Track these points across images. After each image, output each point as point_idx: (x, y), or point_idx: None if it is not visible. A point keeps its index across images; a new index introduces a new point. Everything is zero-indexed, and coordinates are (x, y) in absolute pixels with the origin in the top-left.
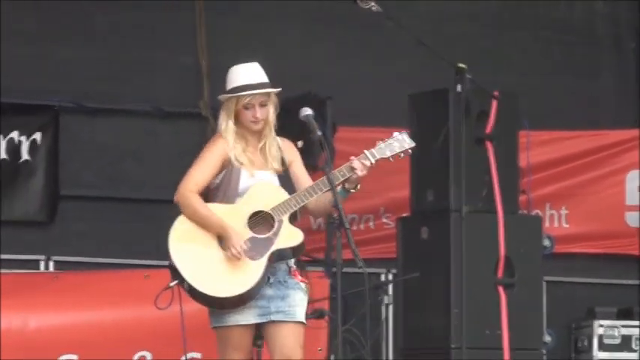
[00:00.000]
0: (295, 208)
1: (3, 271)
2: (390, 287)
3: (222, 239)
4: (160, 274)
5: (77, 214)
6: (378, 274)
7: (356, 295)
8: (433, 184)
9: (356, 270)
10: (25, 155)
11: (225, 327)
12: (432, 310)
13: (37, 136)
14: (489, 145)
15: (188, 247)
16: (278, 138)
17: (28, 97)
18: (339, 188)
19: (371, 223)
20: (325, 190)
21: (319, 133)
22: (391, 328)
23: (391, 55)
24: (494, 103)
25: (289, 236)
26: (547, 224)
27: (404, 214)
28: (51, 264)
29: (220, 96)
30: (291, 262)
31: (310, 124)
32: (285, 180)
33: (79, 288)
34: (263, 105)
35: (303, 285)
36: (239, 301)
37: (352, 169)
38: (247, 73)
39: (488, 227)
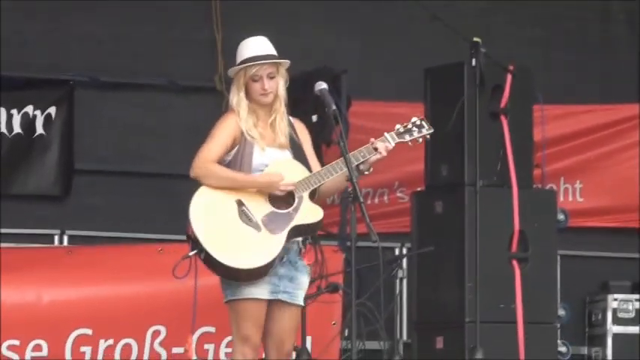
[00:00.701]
0: (316, 185)
1: (18, 245)
2: (405, 261)
3: (241, 212)
4: (174, 248)
5: (92, 189)
6: (393, 248)
7: (370, 269)
8: (448, 159)
9: (370, 244)
10: (39, 129)
11: (240, 300)
12: (446, 284)
13: (52, 110)
14: (504, 119)
15: (209, 219)
16: (291, 118)
17: (43, 72)
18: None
19: (385, 197)
20: (344, 168)
21: (334, 107)
22: (405, 302)
23: (406, 29)
24: (509, 77)
25: (309, 213)
26: (561, 198)
27: (418, 189)
28: (65, 238)
29: (229, 70)
30: (301, 242)
31: (325, 98)
32: (298, 153)
33: (93, 262)
34: (271, 77)
35: (308, 268)
36: (256, 274)
37: (375, 150)
38: (255, 46)
39: (502, 201)
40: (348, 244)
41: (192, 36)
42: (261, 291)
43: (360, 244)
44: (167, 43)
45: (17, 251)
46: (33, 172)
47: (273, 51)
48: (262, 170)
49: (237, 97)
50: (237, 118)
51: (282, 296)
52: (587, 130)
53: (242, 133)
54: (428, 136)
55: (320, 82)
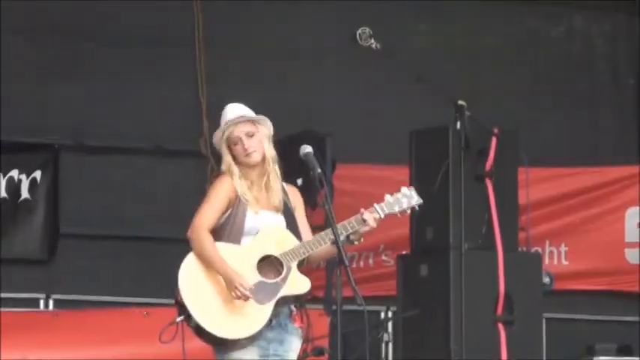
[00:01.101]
0: (304, 256)
1: (3, 309)
2: (390, 324)
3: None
4: (160, 311)
5: (77, 252)
6: (378, 312)
7: (356, 332)
8: (433, 221)
9: (356, 307)
10: (25, 194)
11: None
12: (431, 347)
13: (37, 174)
14: (489, 182)
15: (197, 285)
16: (285, 184)
17: (28, 136)
18: (342, 237)
19: (370, 261)
20: (331, 236)
21: (318, 170)
22: None
23: (391, 92)
24: (494, 140)
25: (297, 283)
26: (546, 261)
27: (404, 252)
28: (50, 302)
29: (213, 141)
30: (292, 305)
31: (310, 161)
32: (290, 219)
33: (79, 326)
34: (250, 135)
35: (300, 330)
36: (243, 343)
37: (363, 221)
38: (229, 112)
39: (487, 264)
40: (334, 307)
41: (177, 99)
42: (249, 354)
43: (346, 307)
44: (152, 106)
45: (3, 315)
46: (18, 236)
47: (248, 112)
48: (255, 234)
49: (226, 164)
50: (232, 180)
51: (272, 359)
52: (573, 193)
53: (237, 196)
54: (417, 207)
55: (305, 146)
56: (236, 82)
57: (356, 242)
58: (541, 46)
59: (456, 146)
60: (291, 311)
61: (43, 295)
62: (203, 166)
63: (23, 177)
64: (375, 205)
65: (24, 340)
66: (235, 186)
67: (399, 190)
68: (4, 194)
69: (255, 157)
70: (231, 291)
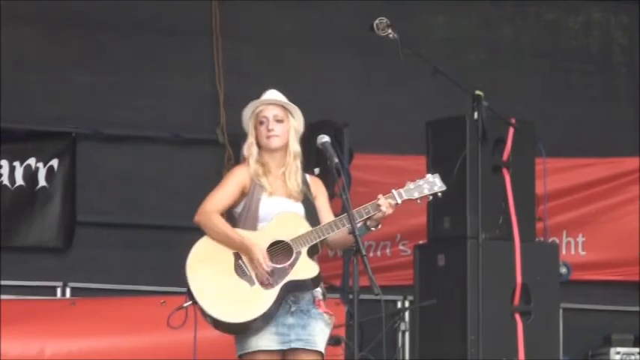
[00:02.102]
0: (315, 241)
1: (20, 297)
2: (407, 314)
3: (237, 265)
4: (177, 300)
5: (94, 241)
6: (395, 302)
7: (372, 322)
8: (450, 211)
9: (372, 297)
10: (42, 182)
11: (249, 353)
12: (448, 337)
13: (54, 162)
14: (506, 173)
15: (204, 269)
16: (308, 175)
17: (46, 124)
18: (359, 224)
19: (388, 250)
20: (347, 224)
21: (336, 160)
22: (407, 355)
23: (408, 82)
24: (511, 131)
25: (304, 269)
26: (564, 252)
27: (421, 241)
28: (67, 290)
29: (243, 113)
30: (317, 292)
31: (327, 151)
32: (311, 210)
33: (96, 314)
34: (278, 120)
35: (326, 316)
36: (246, 328)
37: (378, 206)
38: (266, 94)
39: (505, 254)
40: (351, 296)
41: (195, 88)
42: (267, 343)
43: (363, 296)
44: (169, 95)
45: (20, 303)
46: (35, 224)
47: (284, 99)
48: (270, 220)
49: (247, 143)
50: (248, 168)
51: (296, 344)
52: (590, 184)
53: (251, 183)
54: (439, 194)
55: (322, 135)
56: (253, 71)
57: (373, 228)
58: (559, 38)
59: (474, 136)
60: (314, 297)
61: (60, 284)
62: (220, 154)
63: (40, 165)
64: (393, 190)
65: (41, 328)
66: (251, 171)
67: (423, 177)
68: (21, 182)
69: (275, 142)
70: (254, 270)
